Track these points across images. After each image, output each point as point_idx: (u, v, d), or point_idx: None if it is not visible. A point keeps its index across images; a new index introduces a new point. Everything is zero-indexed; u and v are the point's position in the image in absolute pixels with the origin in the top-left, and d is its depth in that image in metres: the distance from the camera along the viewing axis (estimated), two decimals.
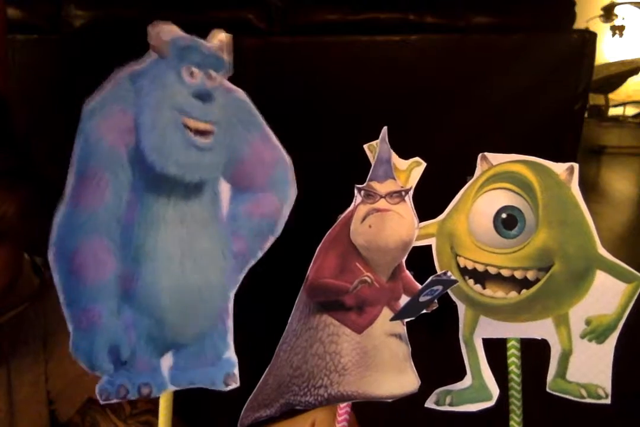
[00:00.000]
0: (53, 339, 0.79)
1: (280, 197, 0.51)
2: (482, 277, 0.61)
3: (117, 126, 0.45)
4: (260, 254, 0.51)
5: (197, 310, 0.48)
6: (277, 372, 0.58)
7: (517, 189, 0.60)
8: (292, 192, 0.51)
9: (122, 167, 0.45)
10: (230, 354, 0.51)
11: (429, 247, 0.64)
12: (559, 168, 0.60)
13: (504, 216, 0.60)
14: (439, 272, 0.55)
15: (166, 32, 0.44)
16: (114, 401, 0.47)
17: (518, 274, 0.60)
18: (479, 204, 0.61)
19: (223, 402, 0.66)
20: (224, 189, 0.50)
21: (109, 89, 0.44)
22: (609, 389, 0.61)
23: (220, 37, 0.47)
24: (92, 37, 1.83)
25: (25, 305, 0.75)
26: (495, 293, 0.61)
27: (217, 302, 0.50)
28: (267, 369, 0.58)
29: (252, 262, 0.51)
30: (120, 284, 0.46)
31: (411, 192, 0.56)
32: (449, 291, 0.60)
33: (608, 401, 0.61)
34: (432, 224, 0.63)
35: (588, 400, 0.61)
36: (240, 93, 0.49)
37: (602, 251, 0.59)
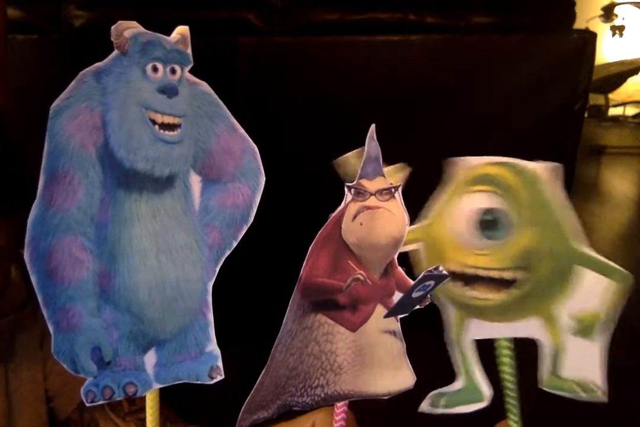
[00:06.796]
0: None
1: (251, 185, 0.51)
2: (467, 279, 0.61)
3: (85, 124, 0.45)
4: (234, 244, 0.51)
5: (176, 304, 0.48)
6: (274, 374, 0.58)
7: (497, 190, 0.60)
8: (261, 180, 0.51)
9: (92, 166, 0.45)
10: (213, 347, 0.51)
11: None
12: (537, 168, 0.60)
13: (485, 218, 0.60)
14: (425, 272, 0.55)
15: (127, 29, 0.45)
16: (100, 402, 0.47)
17: (503, 275, 0.60)
18: (460, 207, 0.61)
19: (221, 405, 0.66)
20: (195, 181, 0.50)
21: (74, 87, 0.44)
22: (601, 384, 0.61)
23: (180, 31, 0.47)
24: (92, 37, 1.83)
25: (15, 314, 0.75)
26: (481, 294, 0.61)
27: (196, 296, 0.50)
28: (264, 370, 0.58)
29: (227, 253, 0.51)
30: (98, 282, 0.46)
31: (400, 189, 0.56)
32: (436, 294, 0.60)
33: (601, 395, 0.61)
34: (414, 229, 0.63)
35: (582, 395, 0.61)
36: (205, 86, 0.49)
37: (583, 248, 0.59)
